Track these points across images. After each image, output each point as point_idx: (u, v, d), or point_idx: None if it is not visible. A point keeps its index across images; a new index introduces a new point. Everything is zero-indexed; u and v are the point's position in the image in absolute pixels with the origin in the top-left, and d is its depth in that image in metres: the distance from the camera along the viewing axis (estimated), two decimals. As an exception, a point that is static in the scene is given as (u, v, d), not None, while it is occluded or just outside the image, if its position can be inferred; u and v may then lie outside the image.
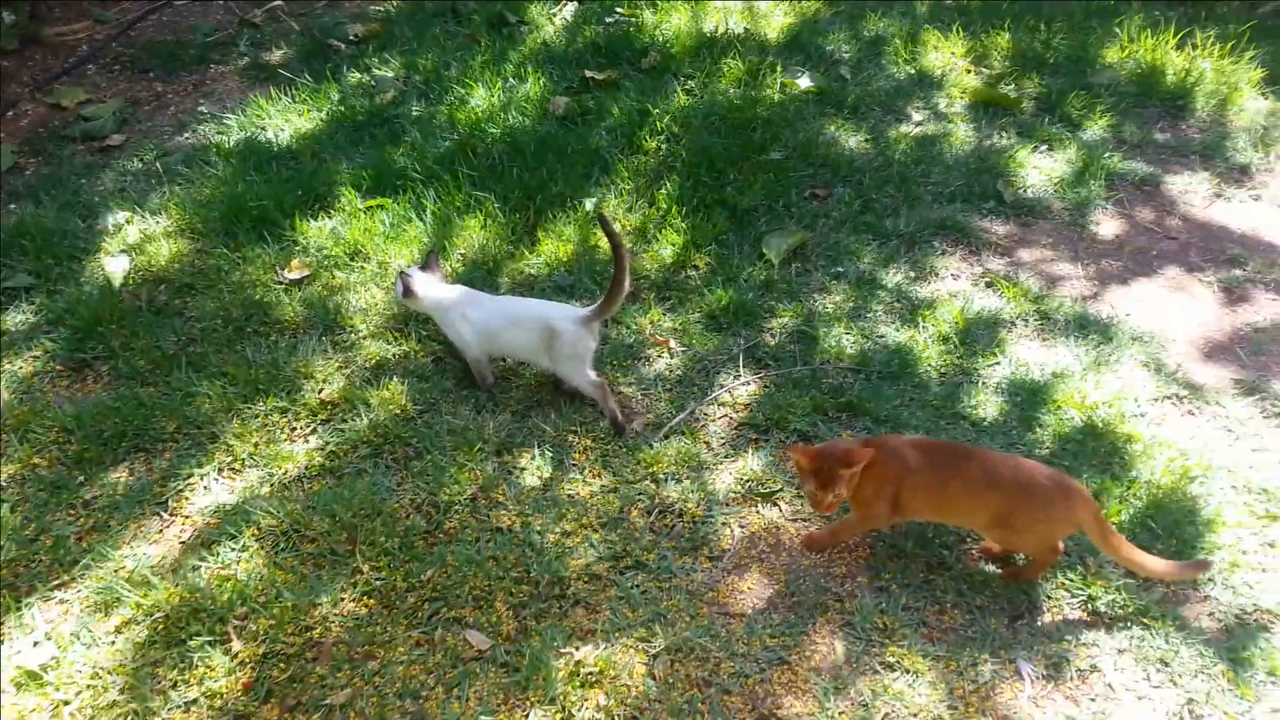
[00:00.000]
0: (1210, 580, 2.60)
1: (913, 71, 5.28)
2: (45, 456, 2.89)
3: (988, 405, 3.16)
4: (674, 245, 3.86)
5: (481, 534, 2.69)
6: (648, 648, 2.41)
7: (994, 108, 5.05)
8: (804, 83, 5.11)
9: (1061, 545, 2.55)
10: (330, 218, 3.98)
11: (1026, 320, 3.59)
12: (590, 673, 2.34)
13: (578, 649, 2.39)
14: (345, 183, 4.10)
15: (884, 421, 3.09)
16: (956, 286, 3.80)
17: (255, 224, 3.87)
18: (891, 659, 2.40)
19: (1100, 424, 3.06)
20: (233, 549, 2.63)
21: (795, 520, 2.79)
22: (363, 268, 3.70)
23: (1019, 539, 2.50)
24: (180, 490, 2.81)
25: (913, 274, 3.84)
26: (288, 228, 3.87)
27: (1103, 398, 3.17)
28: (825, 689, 2.32)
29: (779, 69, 5.04)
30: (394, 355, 3.32)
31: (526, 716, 2.24)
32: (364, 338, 3.39)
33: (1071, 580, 2.59)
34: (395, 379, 3.20)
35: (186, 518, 2.74)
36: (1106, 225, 4.24)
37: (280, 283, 3.63)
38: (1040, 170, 4.52)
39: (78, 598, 2.50)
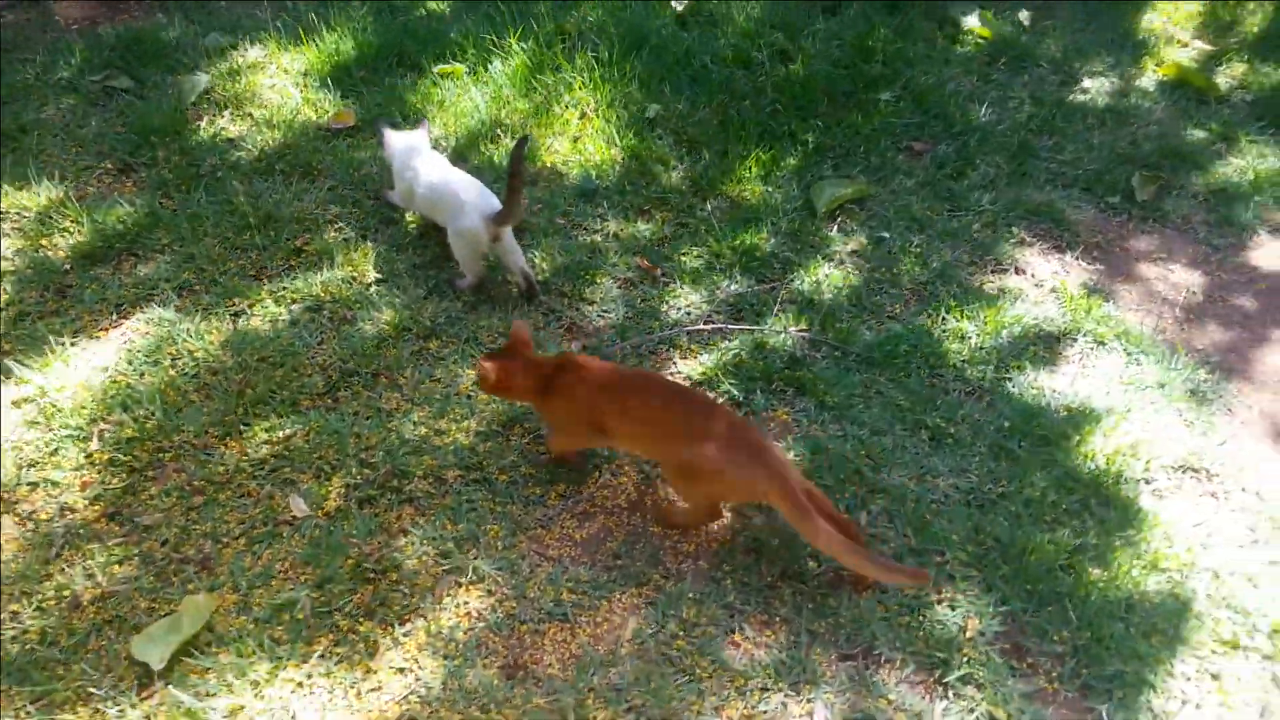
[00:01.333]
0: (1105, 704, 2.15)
1: (1109, 33, 4.50)
2: (50, 240, 3.17)
3: (966, 424, 2.73)
4: (718, 172, 3.58)
5: (361, 409, 2.69)
6: (443, 564, 2.34)
7: (1192, 91, 4.23)
8: (970, 21, 4.50)
9: (724, 509, 2.42)
10: (403, 77, 4.00)
11: (1074, 339, 3.05)
12: (373, 570, 2.31)
13: (378, 545, 2.36)
14: (445, 45, 4.10)
15: (829, 408, 2.76)
16: (1013, 283, 3.28)
17: (334, 71, 3.97)
18: (675, 654, 2.19)
19: (1089, 476, 2.58)
20: (147, 363, 2.78)
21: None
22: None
23: (685, 486, 2.35)
24: (141, 299, 3.00)
25: (970, 258, 3.35)
26: (358, 81, 3.94)
27: (1113, 447, 2.66)
28: (592, 660, 2.17)
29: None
30: (382, 222, 3.34)
31: (296, 591, 2.25)
32: (368, 198, 3.42)
33: (935, 646, 2.23)
34: (371, 243, 3.22)
35: (132, 326, 2.91)
36: (1252, 255, 3.48)
37: (324, 129, 3.72)
38: (1202, 173, 3.76)
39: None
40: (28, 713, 2.02)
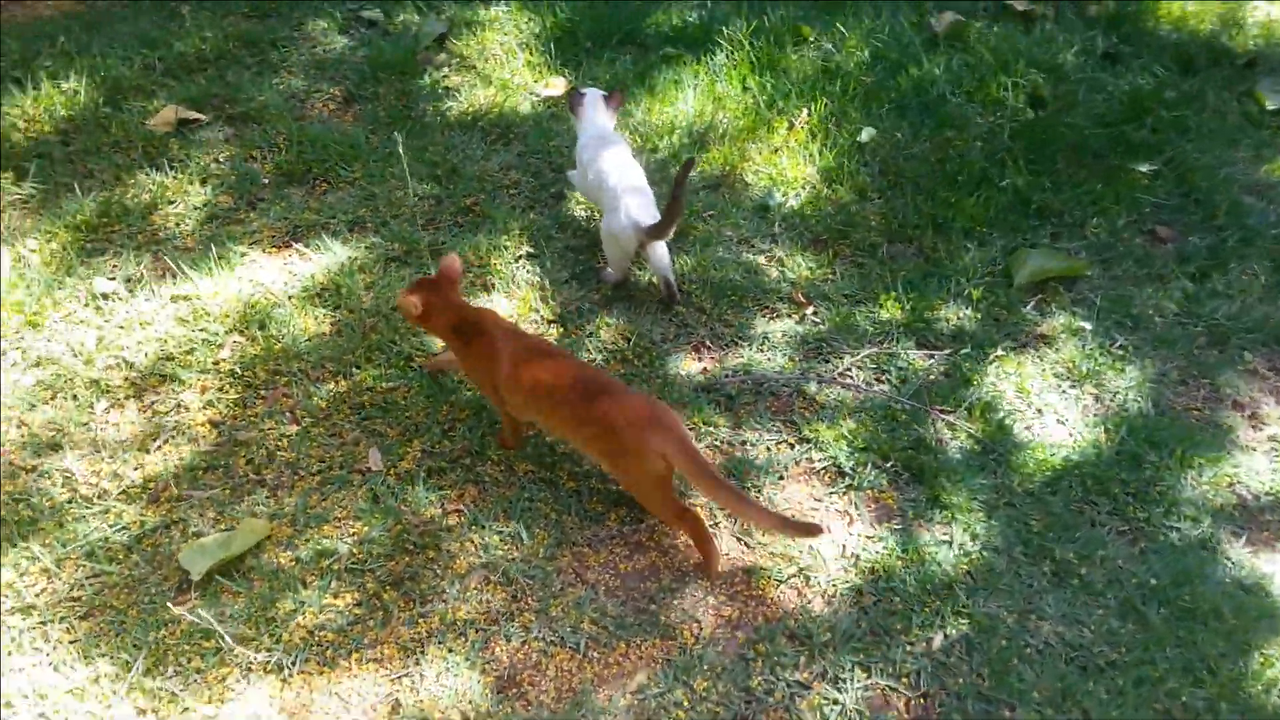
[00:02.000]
0: None
1: None
2: (259, 153, 3.41)
3: (1102, 567, 2.34)
4: (916, 214, 3.28)
5: (463, 381, 2.70)
6: (481, 556, 2.30)
7: None
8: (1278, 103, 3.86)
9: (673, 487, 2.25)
10: (627, 55, 3.96)
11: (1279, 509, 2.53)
12: (414, 543, 2.31)
13: (428, 519, 2.36)
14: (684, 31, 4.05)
15: (942, 506, 2.45)
16: (1226, 417, 2.77)
17: (564, 38, 4.00)
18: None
19: (1229, 676, 2.13)
20: (296, 287, 2.93)
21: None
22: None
23: (619, 475, 2.30)
24: (317, 225, 3.16)
25: (1182, 375, 2.87)
26: (582, 52, 3.95)
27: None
28: (587, 701, 2.06)
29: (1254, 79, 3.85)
30: (553, 196, 3.33)
31: (339, 542, 2.30)
32: (550, 169, 3.42)
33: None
34: (535, 214, 3.23)
35: (300, 249, 3.08)
36: None
37: (532, 94, 3.76)
38: None
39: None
40: (81, 586, 2.19)
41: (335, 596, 2.21)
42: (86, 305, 2.80)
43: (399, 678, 2.08)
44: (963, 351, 2.85)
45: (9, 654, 2.05)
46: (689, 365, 2.80)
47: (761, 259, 3.15)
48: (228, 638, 2.10)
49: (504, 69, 3.87)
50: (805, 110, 3.66)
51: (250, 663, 2.07)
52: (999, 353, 2.85)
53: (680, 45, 4.00)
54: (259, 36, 3.97)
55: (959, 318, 2.97)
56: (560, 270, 3.04)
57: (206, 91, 3.60)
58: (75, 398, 2.56)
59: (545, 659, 2.13)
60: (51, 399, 2.56)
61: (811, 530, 2.18)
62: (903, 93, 3.76)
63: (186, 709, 2.00)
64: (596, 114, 3.06)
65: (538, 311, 2.89)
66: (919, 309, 2.96)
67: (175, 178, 3.24)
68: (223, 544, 2.26)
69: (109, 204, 3.10)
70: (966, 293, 3.03)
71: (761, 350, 2.86)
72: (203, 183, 3.26)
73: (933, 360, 2.84)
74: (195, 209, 3.17)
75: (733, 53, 3.90)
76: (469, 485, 2.45)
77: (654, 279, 2.94)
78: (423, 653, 2.12)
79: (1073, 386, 2.80)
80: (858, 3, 4.27)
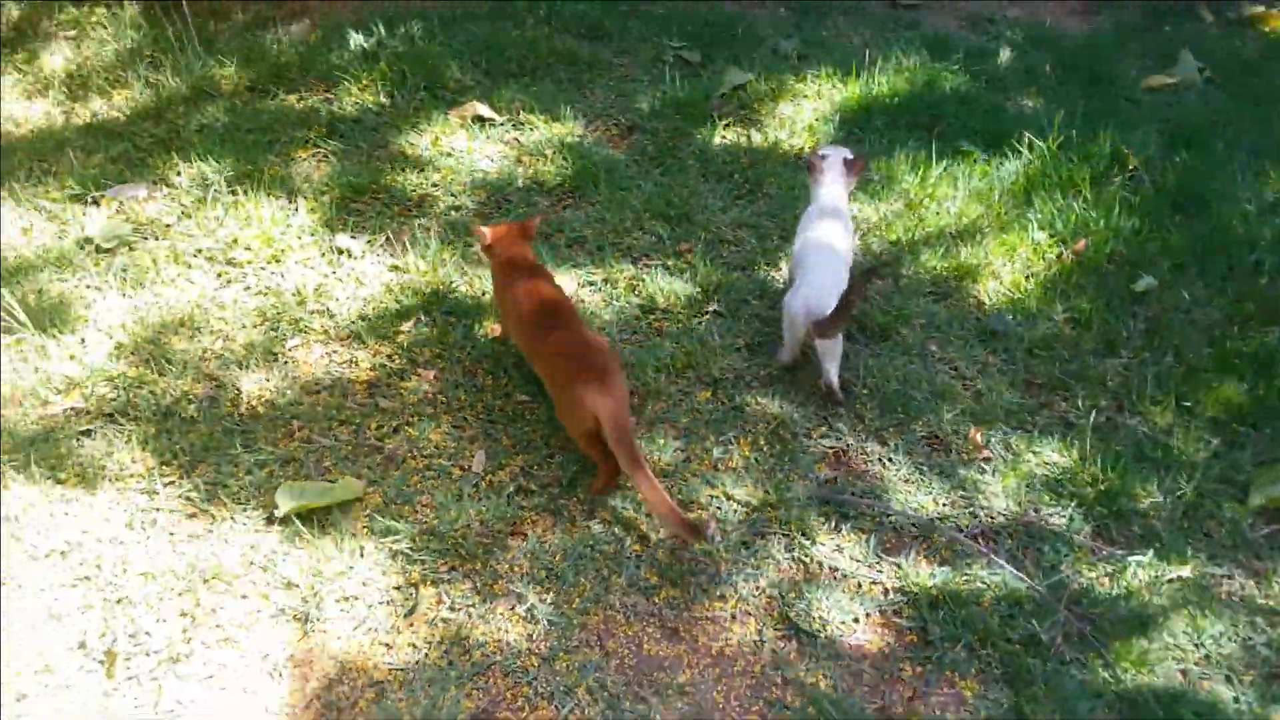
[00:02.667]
0: None
1: None
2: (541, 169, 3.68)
3: None
4: (1165, 380, 2.80)
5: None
6: (516, 587, 2.31)
7: None
8: None
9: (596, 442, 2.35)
10: (918, 139, 3.76)
11: None
12: (469, 551, 2.37)
13: (491, 533, 2.41)
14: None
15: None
16: None
17: (859, 112, 3.91)
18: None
19: None
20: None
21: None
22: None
23: (561, 414, 2.47)
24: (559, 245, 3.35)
25: None
26: (874, 128, 3.82)
27: None
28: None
29: None
30: (772, 259, 3.24)
31: (409, 527, 2.42)
32: (781, 232, 3.34)
33: None
34: (741, 273, 3.17)
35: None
36: None
37: (797, 155, 3.70)
38: None
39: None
40: (196, 488, 2.49)
41: (383, 574, 2.32)
42: (323, 255, 3.18)
43: (393, 670, 2.14)
44: (1141, 558, 2.36)
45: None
46: (820, 469, 2.60)
47: (957, 384, 2.84)
48: (278, 581, 2.28)
49: (783, 129, 3.83)
50: (1084, 240, 3.24)
51: (285, 607, 2.24)
52: (1186, 574, 2.33)
53: (977, 140, 3.72)
54: (580, 55, 4.26)
55: (1157, 518, 2.47)
56: (737, 336, 2.96)
57: (511, 97, 3.93)
58: (276, 329, 2.92)
59: (527, 709, 2.08)
60: (259, 324, 2.94)
61: (696, 531, 2.25)
62: (1210, 248, 3.20)
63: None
64: (835, 179, 2.93)
65: (695, 369, 2.83)
66: (1113, 493, 2.50)
67: (449, 165, 3.58)
68: (319, 493, 2.46)
69: (380, 173, 3.50)
70: (1182, 492, 2.51)
71: (907, 480, 2.57)
72: (469, 174, 3.56)
73: (1099, 555, 2.39)
74: (451, 194, 3.48)
75: (1031, 162, 3.55)
76: (545, 514, 2.46)
77: (819, 378, 2.76)
78: (425, 657, 2.17)
79: (1266, 645, 2.22)
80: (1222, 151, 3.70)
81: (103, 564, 2.30)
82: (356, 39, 4.14)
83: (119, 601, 2.23)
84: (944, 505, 2.51)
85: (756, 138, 3.79)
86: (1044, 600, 2.27)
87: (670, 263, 3.22)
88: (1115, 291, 3.09)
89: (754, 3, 4.87)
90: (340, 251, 3.19)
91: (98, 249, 3.17)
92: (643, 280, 3.12)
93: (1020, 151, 3.59)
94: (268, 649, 2.18)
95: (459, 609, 2.26)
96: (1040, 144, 3.57)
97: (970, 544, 2.41)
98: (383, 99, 3.91)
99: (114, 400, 2.67)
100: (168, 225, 3.27)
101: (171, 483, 2.50)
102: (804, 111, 3.93)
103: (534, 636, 2.21)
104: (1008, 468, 2.60)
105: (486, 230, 2.67)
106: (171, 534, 2.39)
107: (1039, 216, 3.33)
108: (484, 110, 3.84)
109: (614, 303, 3.05)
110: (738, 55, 4.30)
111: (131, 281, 3.04)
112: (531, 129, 3.79)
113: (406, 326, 2.95)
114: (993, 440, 2.67)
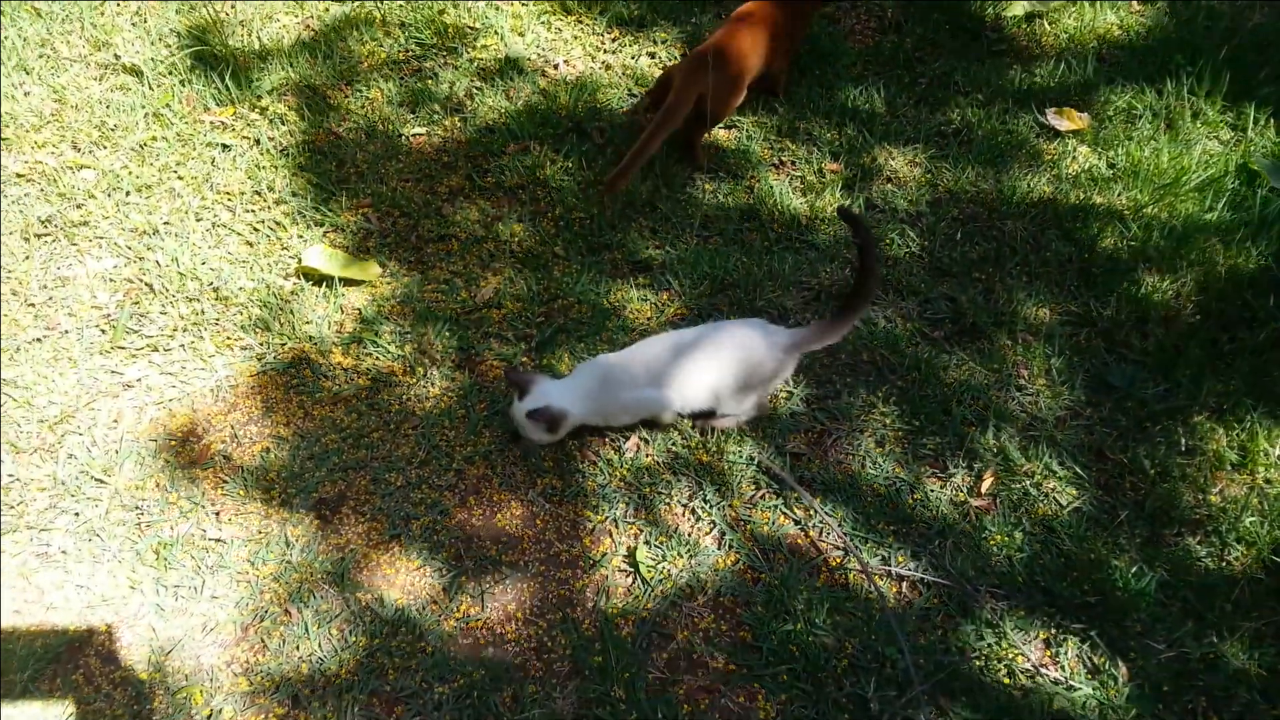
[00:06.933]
0: None
1: None
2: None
3: None
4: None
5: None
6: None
7: None
8: None
9: None
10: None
11: None
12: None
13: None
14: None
15: None
16: None
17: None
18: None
19: None
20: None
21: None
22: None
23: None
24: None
25: None
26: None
27: None
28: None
29: None
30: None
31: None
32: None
33: None
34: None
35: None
36: None
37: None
38: None
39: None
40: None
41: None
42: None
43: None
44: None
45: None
46: (793, 439, 2.32)
47: (1015, 408, 2.35)
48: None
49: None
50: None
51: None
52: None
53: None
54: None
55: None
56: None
57: None
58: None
59: (366, 517, 2.18)
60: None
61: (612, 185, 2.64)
62: None
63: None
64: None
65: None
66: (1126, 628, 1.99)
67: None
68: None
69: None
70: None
71: (874, 493, 2.23)
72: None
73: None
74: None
75: None
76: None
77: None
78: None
79: None
80: None
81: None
82: None
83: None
84: (886, 538, 2.15)
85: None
86: (906, 670, 1.91)
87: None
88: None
89: None
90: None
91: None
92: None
93: None
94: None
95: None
96: None
97: (876, 584, 2.06)
98: None
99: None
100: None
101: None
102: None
103: (413, 459, 2.27)
104: (1001, 528, 2.14)
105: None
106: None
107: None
108: None
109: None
110: None
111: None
112: None
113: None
114: (1005, 495, 2.20)
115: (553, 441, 2.24)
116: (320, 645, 2.00)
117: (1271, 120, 2.98)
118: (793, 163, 2.92)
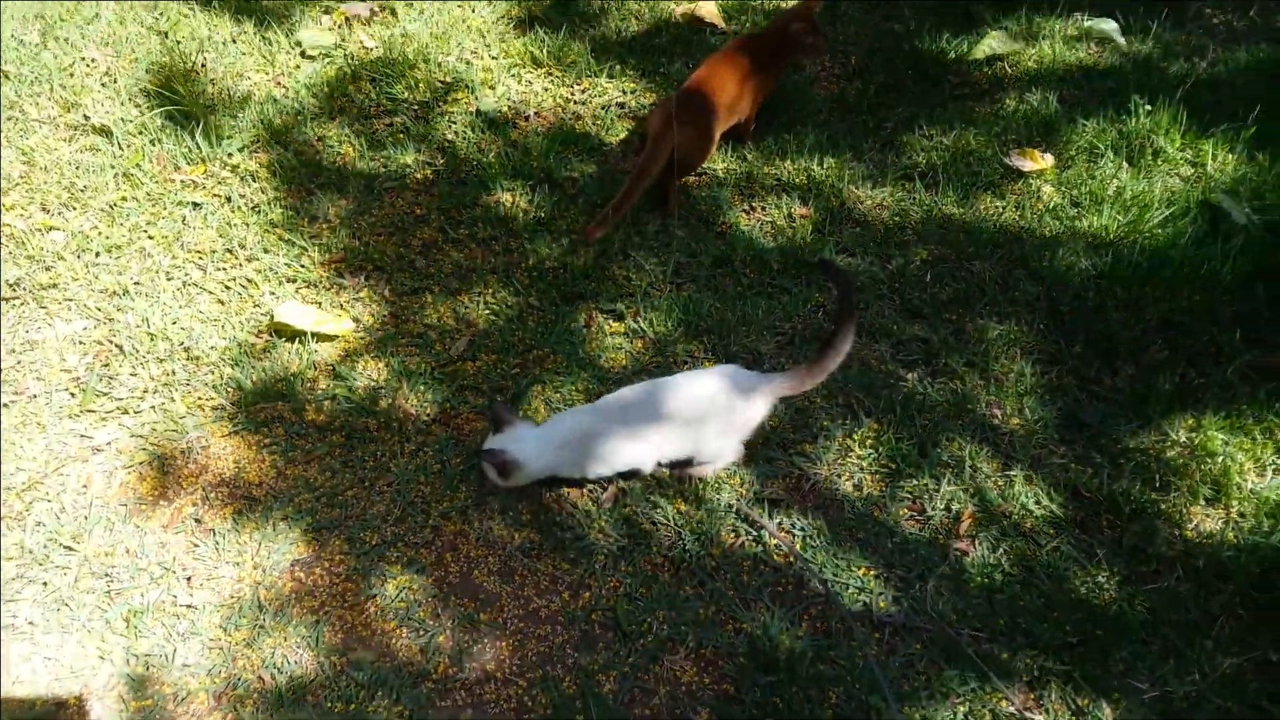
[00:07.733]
0: None
1: None
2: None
3: None
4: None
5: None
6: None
7: None
8: None
9: None
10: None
11: None
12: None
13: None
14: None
15: None
16: None
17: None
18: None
19: None
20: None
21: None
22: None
23: None
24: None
25: None
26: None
27: None
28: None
29: None
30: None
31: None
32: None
33: None
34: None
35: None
36: None
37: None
38: None
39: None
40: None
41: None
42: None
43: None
44: None
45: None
46: (774, 485, 2.32)
47: (995, 450, 2.36)
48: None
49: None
50: None
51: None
52: None
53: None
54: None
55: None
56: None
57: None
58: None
59: (341, 576, 2.15)
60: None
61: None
62: None
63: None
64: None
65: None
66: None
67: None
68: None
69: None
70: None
71: (851, 534, 2.22)
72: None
73: None
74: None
75: None
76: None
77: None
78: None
79: None
80: None
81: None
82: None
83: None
84: (868, 583, 2.14)
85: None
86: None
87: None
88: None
89: None
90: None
91: (302, 54, 3.47)
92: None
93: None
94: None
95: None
96: None
97: (857, 630, 2.05)
98: None
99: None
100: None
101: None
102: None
103: (388, 517, 2.24)
104: (980, 569, 2.14)
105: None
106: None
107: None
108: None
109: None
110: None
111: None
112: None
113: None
114: (984, 536, 2.21)
115: (508, 488, 2.22)
116: (295, 713, 1.96)
117: (1229, 156, 3.04)
118: (763, 208, 2.95)
